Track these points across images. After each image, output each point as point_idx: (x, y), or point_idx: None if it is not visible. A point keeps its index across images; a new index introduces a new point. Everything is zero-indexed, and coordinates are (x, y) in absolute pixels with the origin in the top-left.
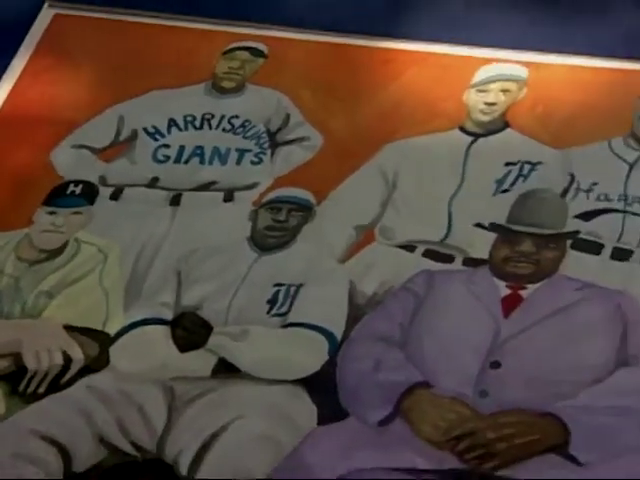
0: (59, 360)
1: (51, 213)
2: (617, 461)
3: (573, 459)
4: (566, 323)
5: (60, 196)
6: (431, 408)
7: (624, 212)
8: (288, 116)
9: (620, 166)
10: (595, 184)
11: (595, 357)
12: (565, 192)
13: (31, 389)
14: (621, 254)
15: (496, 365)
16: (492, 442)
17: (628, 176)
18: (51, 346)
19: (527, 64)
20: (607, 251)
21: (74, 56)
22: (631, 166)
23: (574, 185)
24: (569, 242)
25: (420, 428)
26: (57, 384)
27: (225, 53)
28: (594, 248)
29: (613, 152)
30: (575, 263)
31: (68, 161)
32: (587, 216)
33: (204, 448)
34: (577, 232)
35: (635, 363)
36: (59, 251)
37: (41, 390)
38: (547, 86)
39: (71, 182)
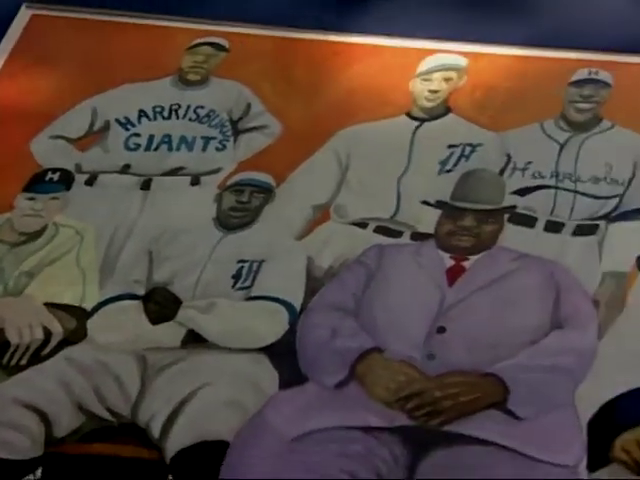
0: (40, 334)
1: (31, 199)
2: (551, 414)
3: (511, 413)
4: (504, 290)
5: (39, 183)
6: (382, 371)
7: (556, 188)
8: (249, 106)
9: (552, 146)
10: (529, 163)
11: (531, 321)
12: (502, 171)
13: (14, 361)
14: (553, 227)
15: (442, 330)
16: (438, 400)
17: (559, 155)
18: (32, 322)
19: (466, 54)
20: (541, 224)
21: (50, 54)
22: (562, 146)
23: (510, 164)
24: (506, 216)
25: (373, 390)
26: (38, 356)
27: (190, 48)
28: (529, 221)
29: (545, 133)
30: (512, 235)
31: (46, 150)
32: (522, 192)
33: (174, 413)
34: (514, 207)
35: (566, 325)
36: (39, 234)
37: (23, 362)
38: (485, 74)
39: (49, 170)
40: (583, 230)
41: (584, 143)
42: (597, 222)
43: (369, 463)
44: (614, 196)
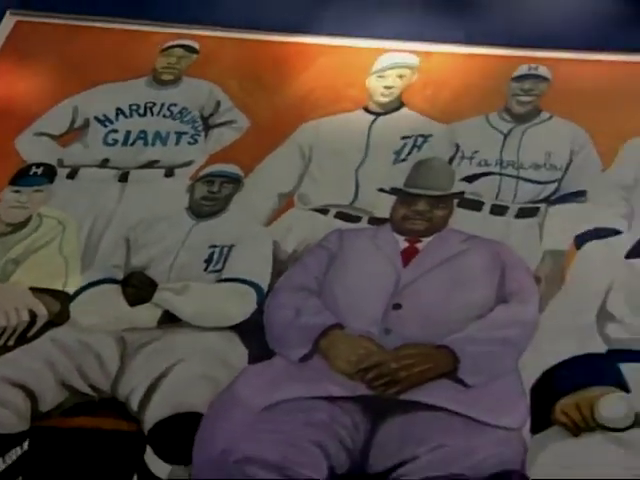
0: (26, 317)
1: (16, 192)
2: (497, 381)
3: (461, 382)
4: (454, 269)
5: (24, 177)
6: (343, 345)
7: (500, 175)
8: (218, 103)
9: (496, 136)
10: (476, 152)
11: (478, 297)
12: (451, 159)
13: (2, 343)
14: (498, 210)
15: (397, 307)
16: (395, 371)
17: (503, 144)
18: (18, 305)
19: (418, 53)
20: (487, 208)
21: (34, 57)
22: (505, 136)
23: (459, 153)
24: (456, 201)
25: (335, 362)
26: (24, 337)
27: (163, 50)
28: (476, 206)
29: (490, 124)
30: (461, 219)
31: (30, 147)
32: (470, 179)
33: (152, 387)
34: (462, 193)
35: (511, 300)
36: (24, 224)
37: (10, 343)
38: (435, 71)
39: (33, 164)
40: (525, 213)
41: (525, 133)
42: (538, 205)
43: (333, 430)
44: (553, 181)
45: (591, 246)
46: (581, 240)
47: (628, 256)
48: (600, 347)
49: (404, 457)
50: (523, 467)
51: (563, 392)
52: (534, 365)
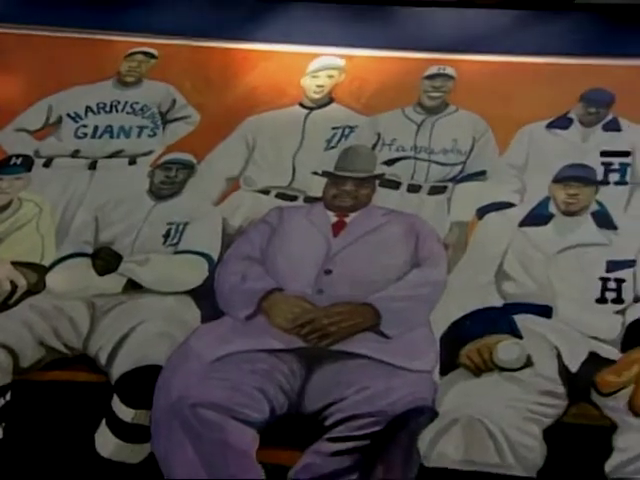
0: (7, 287)
1: None
2: (412, 332)
3: (382, 334)
4: (377, 239)
5: (5, 166)
6: (282, 305)
7: (414, 159)
8: (174, 101)
9: (411, 126)
10: (394, 140)
11: (397, 262)
12: (374, 146)
13: None
14: (413, 188)
15: (329, 272)
16: (326, 326)
17: (417, 133)
18: (1, 277)
19: (344, 56)
20: (404, 187)
21: (14, 64)
22: (418, 126)
23: (380, 141)
24: (377, 182)
25: (274, 320)
26: (6, 304)
27: (126, 56)
28: (395, 185)
29: (406, 116)
30: (382, 196)
31: (11, 140)
32: (389, 163)
33: (118, 345)
34: (383, 174)
35: (424, 264)
36: (5, 207)
37: None
38: (359, 71)
39: (13, 156)
40: (436, 190)
41: (435, 123)
42: (446, 184)
43: (273, 377)
44: (458, 163)
45: (490, 217)
46: (482, 212)
47: (521, 225)
48: (498, 302)
49: (334, 398)
50: (433, 403)
51: (467, 340)
52: (443, 318)
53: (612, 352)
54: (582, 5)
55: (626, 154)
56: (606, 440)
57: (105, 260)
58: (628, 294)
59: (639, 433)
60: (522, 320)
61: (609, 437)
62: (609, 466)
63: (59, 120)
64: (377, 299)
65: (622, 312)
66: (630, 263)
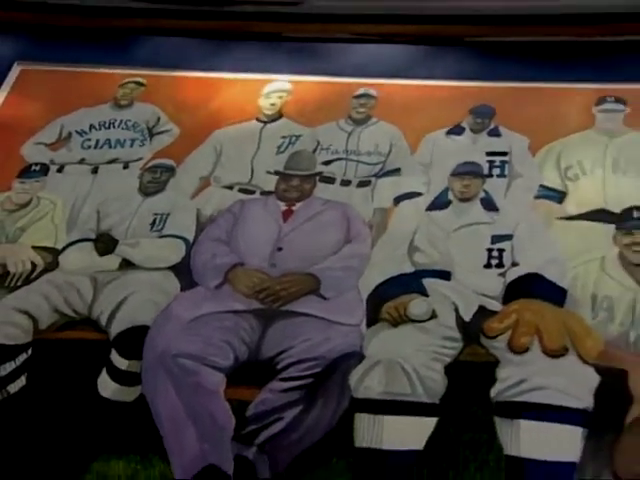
0: (29, 266)
1: (22, 182)
2: (344, 294)
3: (322, 296)
4: (317, 223)
5: (27, 172)
6: (244, 276)
7: (346, 160)
8: (159, 118)
9: (343, 134)
10: (330, 145)
11: (333, 240)
12: (314, 151)
13: (12, 284)
14: (345, 183)
15: (280, 249)
16: (278, 291)
17: (347, 139)
18: (24, 258)
19: (291, 81)
20: (338, 182)
21: (34, 93)
22: (349, 134)
23: (319, 147)
24: (317, 178)
25: (238, 288)
26: (28, 280)
27: (121, 85)
28: (331, 181)
29: (339, 127)
30: (321, 190)
31: (31, 152)
32: (326, 163)
33: (115, 309)
34: (322, 172)
35: (354, 241)
36: (27, 204)
37: (19, 284)
38: (302, 93)
39: (33, 164)
40: (362, 184)
41: (362, 132)
42: (370, 179)
43: (237, 332)
44: (379, 163)
45: (404, 204)
46: (397, 200)
47: (427, 209)
48: (410, 269)
49: (284, 347)
50: (361, 349)
51: (386, 299)
52: (368, 283)
53: (496, 305)
54: (470, 42)
55: (505, 154)
56: (491, 372)
57: (105, 244)
58: (507, 260)
59: (516, 366)
60: (428, 283)
61: (493, 370)
62: (493, 392)
63: (69, 135)
64: (317, 269)
65: (503, 274)
66: (509, 237)
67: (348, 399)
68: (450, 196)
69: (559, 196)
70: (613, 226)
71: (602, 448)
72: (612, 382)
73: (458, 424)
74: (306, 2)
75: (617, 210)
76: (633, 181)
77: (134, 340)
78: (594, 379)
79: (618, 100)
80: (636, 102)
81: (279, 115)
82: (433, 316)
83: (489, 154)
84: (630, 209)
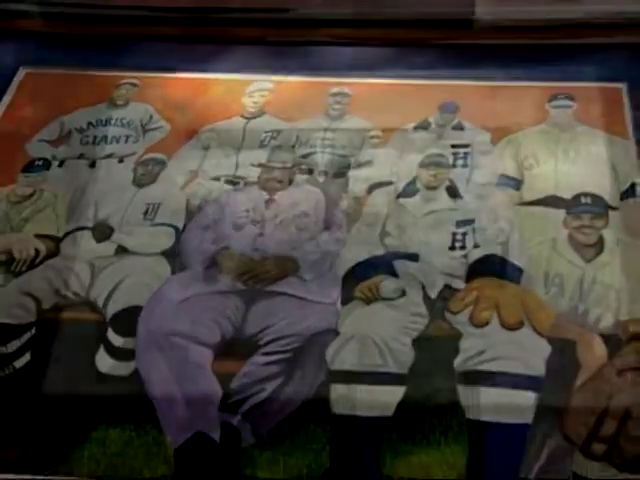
0: (32, 252)
1: (26, 176)
2: (324, 276)
3: (301, 278)
4: (297, 210)
5: (31, 167)
6: (229, 260)
7: (323, 152)
8: (151, 116)
9: (320, 129)
10: (308, 139)
11: (312, 226)
12: (294, 145)
13: (18, 269)
14: (323, 174)
15: (261, 235)
16: (260, 274)
17: (324, 134)
18: (28, 245)
19: (272, 81)
20: (316, 172)
21: (38, 95)
22: (325, 129)
23: (298, 141)
24: (297, 170)
25: (224, 271)
26: (32, 265)
27: (116, 86)
28: (310, 172)
29: (317, 122)
30: (301, 180)
31: (35, 148)
32: (305, 156)
33: (111, 292)
34: (301, 164)
35: (331, 227)
36: (31, 196)
37: (24, 269)
38: (283, 92)
39: (36, 159)
40: (339, 175)
41: (338, 126)
42: (345, 170)
43: (223, 311)
44: (353, 155)
45: (376, 192)
46: (370, 189)
47: (397, 197)
48: (381, 252)
49: (266, 324)
50: (337, 326)
51: (360, 280)
52: (344, 264)
53: (459, 284)
54: (437, 45)
55: (467, 146)
56: (454, 345)
57: (102, 232)
58: (469, 243)
59: (476, 338)
60: (398, 264)
61: (457, 343)
62: (456, 362)
63: (69, 133)
64: (297, 254)
65: (466, 256)
66: (471, 221)
67: (325, 371)
68: (418, 185)
69: (517, 184)
70: (564, 211)
71: (553, 411)
72: (562, 351)
73: (424, 392)
74: (291, 11)
75: (567, 196)
76: (581, 170)
77: (129, 319)
78: (546, 349)
79: (568, 97)
80: (583, 99)
81: (262, 112)
82: (402, 294)
83: (453, 146)
84: (578, 195)
